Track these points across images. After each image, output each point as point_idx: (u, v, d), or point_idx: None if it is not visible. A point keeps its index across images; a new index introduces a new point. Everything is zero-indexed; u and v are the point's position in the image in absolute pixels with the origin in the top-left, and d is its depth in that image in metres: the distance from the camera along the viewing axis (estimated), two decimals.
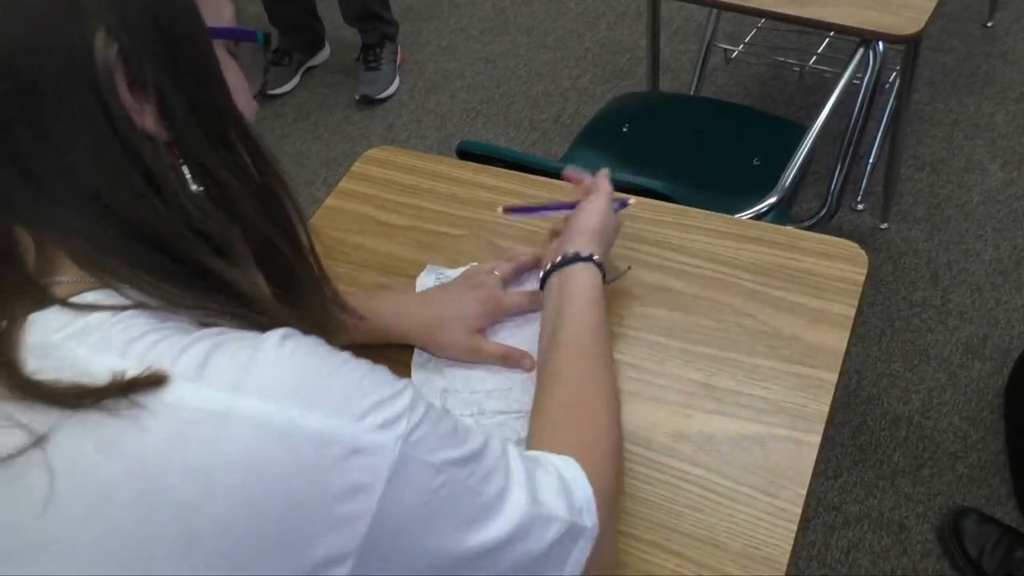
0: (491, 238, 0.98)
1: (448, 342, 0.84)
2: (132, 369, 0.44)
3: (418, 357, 0.86)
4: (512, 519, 0.53)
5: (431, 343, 0.85)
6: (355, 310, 0.66)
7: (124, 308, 0.47)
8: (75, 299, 0.47)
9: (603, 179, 0.88)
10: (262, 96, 0.61)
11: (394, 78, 2.49)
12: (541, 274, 0.82)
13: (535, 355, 0.84)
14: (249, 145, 0.54)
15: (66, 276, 0.48)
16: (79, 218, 0.47)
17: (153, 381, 0.44)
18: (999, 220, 1.92)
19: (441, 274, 0.94)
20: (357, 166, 1.09)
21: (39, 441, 0.43)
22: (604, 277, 0.80)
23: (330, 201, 1.06)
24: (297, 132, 2.41)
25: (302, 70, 2.58)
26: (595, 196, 0.85)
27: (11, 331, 0.45)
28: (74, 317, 0.46)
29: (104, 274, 0.48)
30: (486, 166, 1.07)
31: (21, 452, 0.43)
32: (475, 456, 0.52)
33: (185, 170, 0.51)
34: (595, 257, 0.79)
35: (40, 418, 0.43)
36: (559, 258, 0.79)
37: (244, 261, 0.53)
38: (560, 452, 0.63)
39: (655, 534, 0.72)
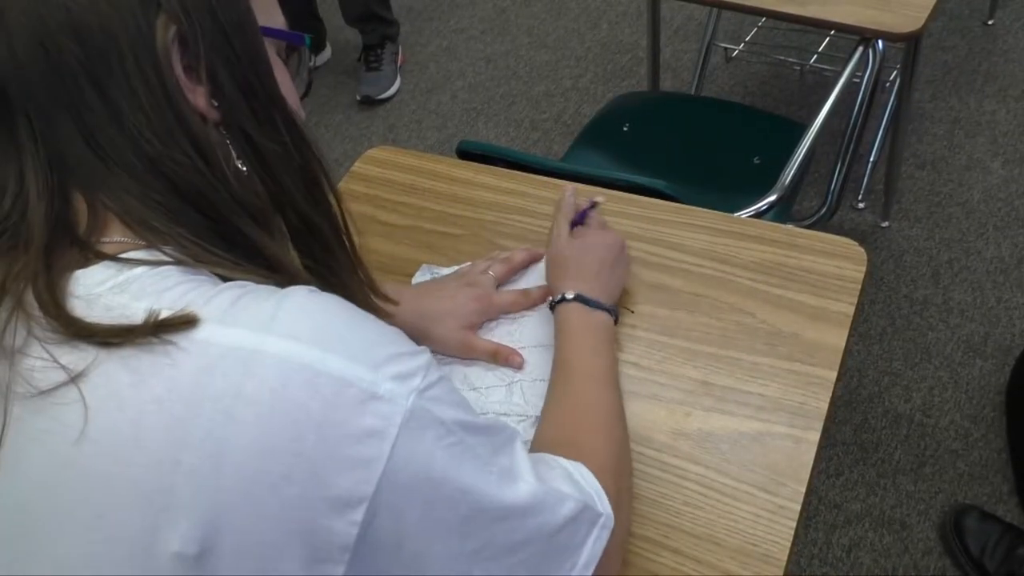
0: (491, 238, 0.98)
1: (441, 336, 0.84)
2: (166, 310, 0.47)
3: None
4: (524, 491, 0.53)
5: (424, 336, 0.85)
6: (388, 295, 0.68)
7: (162, 263, 0.51)
8: (119, 255, 0.51)
9: (564, 200, 0.89)
10: (307, 96, 0.65)
11: (395, 79, 2.49)
12: (550, 301, 0.83)
13: (526, 354, 0.85)
14: (292, 129, 0.58)
15: (113, 237, 0.52)
16: (132, 179, 0.51)
17: (184, 321, 0.46)
18: (1000, 218, 1.92)
19: (436, 273, 0.94)
20: (357, 166, 1.10)
21: (76, 377, 0.45)
22: (605, 307, 0.80)
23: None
24: None
25: None
26: (553, 223, 0.87)
27: (60, 283, 0.48)
28: (117, 271, 0.49)
29: (148, 233, 0.51)
30: (486, 166, 1.08)
31: (58, 386, 0.45)
32: (486, 429, 0.53)
33: (231, 147, 0.55)
34: (584, 296, 0.80)
35: (81, 357, 0.46)
36: (569, 294, 0.80)
37: (280, 235, 0.57)
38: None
39: (654, 531, 0.72)
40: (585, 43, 2.55)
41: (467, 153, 1.16)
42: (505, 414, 0.80)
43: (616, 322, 0.81)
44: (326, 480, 0.45)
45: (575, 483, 0.59)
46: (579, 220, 0.88)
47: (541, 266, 0.93)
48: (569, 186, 0.92)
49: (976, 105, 2.17)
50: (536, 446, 0.70)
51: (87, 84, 0.50)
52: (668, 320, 0.87)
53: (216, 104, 0.53)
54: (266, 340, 0.46)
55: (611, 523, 0.59)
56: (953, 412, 1.62)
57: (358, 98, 2.46)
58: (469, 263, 0.93)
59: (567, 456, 0.64)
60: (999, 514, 1.45)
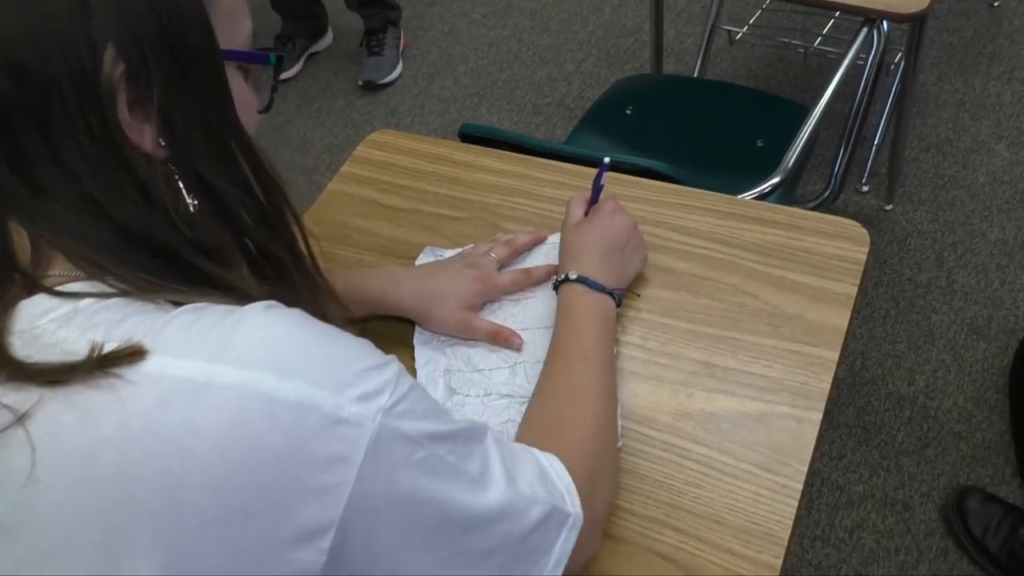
0: (494, 221, 0.98)
1: (442, 316, 0.85)
2: (112, 344, 0.44)
3: (420, 336, 0.87)
4: (494, 498, 0.53)
5: (425, 316, 0.86)
6: (350, 313, 0.67)
7: (109, 295, 0.48)
8: (62, 288, 0.48)
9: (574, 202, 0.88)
10: (266, 113, 0.62)
11: (397, 63, 2.48)
12: (554, 281, 0.83)
13: (530, 335, 0.85)
14: (253, 163, 0.55)
15: (57, 270, 0.49)
16: (75, 220, 0.48)
17: (131, 353, 0.44)
18: (1005, 200, 1.91)
19: (440, 255, 0.95)
20: (360, 150, 1.09)
21: (21, 419, 0.43)
22: (611, 293, 0.80)
23: (333, 185, 1.06)
24: (300, 118, 2.41)
25: (305, 56, 2.57)
26: (567, 210, 0.87)
27: (1, 320, 0.46)
28: (60, 303, 0.47)
29: (96, 271, 0.49)
30: (489, 149, 1.08)
31: (3, 430, 0.43)
32: (456, 435, 0.52)
33: (181, 186, 0.52)
34: (586, 277, 0.79)
35: (25, 397, 0.44)
36: (572, 275, 0.80)
37: (238, 266, 0.55)
38: (542, 449, 0.63)
39: (657, 511, 0.72)
40: (588, 26, 2.53)
41: (469, 136, 1.16)
42: (509, 395, 0.81)
43: (619, 305, 0.81)
44: (289, 512, 0.44)
45: (547, 482, 0.59)
46: (592, 201, 0.87)
47: (545, 248, 0.93)
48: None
49: (981, 87, 2.15)
50: (523, 425, 0.71)
51: (23, 122, 0.47)
52: (671, 302, 0.87)
53: (164, 143, 0.50)
54: (220, 370, 0.44)
55: (579, 522, 0.59)
56: (956, 394, 1.62)
57: (360, 83, 2.45)
58: (472, 245, 0.93)
59: (547, 441, 0.64)
60: (1002, 495, 1.46)
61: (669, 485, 0.74)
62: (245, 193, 0.55)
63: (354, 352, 0.49)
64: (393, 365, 0.50)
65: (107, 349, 0.44)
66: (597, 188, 0.87)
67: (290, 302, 0.55)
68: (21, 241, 0.49)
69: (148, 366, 0.44)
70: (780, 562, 0.68)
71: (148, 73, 0.48)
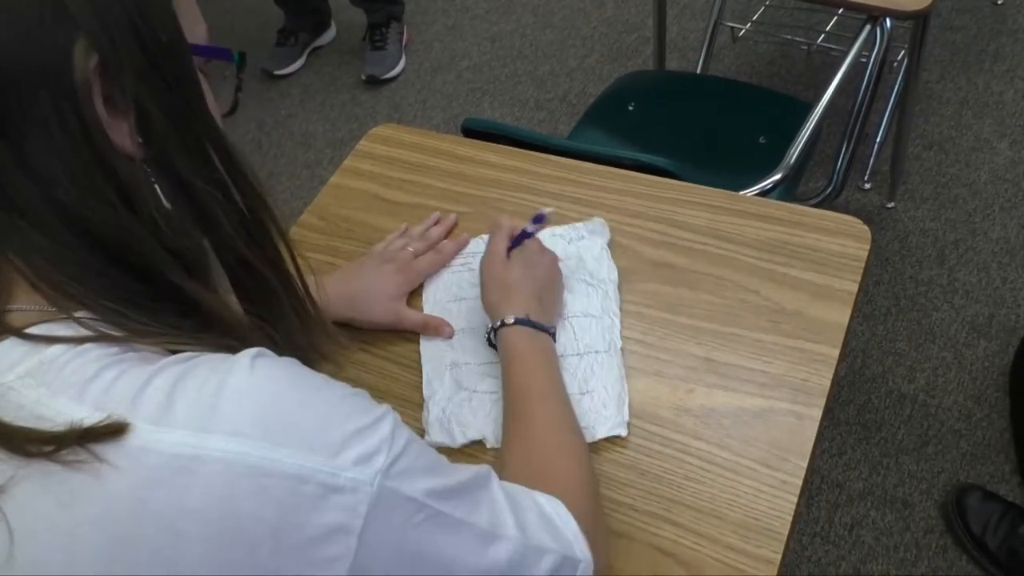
0: (495, 215, 0.98)
1: (373, 312, 0.87)
2: (89, 417, 0.41)
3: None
4: (505, 550, 0.51)
5: (355, 316, 0.88)
6: (338, 334, 0.63)
7: (82, 340, 0.45)
8: (29, 330, 0.45)
9: (500, 222, 0.86)
10: (231, 116, 0.58)
11: (400, 58, 2.48)
12: (488, 330, 0.82)
13: (458, 322, 0.87)
14: (230, 164, 0.52)
15: (18, 304, 0.46)
16: (43, 235, 0.45)
17: (112, 431, 0.41)
18: (1007, 199, 1.91)
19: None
20: (362, 144, 1.10)
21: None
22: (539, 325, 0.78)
23: (335, 179, 1.06)
24: (303, 112, 2.41)
25: (308, 50, 2.57)
26: (489, 244, 0.84)
27: None
28: (27, 353, 0.44)
29: (60, 297, 0.46)
30: (491, 144, 1.08)
31: None
32: (460, 488, 0.51)
33: (158, 189, 0.49)
34: (528, 320, 0.77)
35: None
36: (509, 319, 0.77)
37: (216, 282, 0.52)
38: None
39: (656, 506, 0.73)
40: (591, 22, 2.53)
41: (472, 131, 1.16)
42: None
43: (554, 341, 0.80)
44: None
45: (554, 529, 0.57)
46: (516, 243, 0.84)
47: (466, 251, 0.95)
48: (504, 216, 0.88)
49: (984, 85, 2.15)
50: (506, 471, 0.68)
51: None
52: (671, 297, 0.87)
53: (141, 140, 0.47)
54: (207, 441, 0.41)
55: (590, 569, 0.57)
56: (956, 392, 1.62)
57: (363, 77, 2.45)
58: (382, 243, 0.95)
59: (541, 486, 0.61)
60: (1001, 493, 1.46)
61: (669, 480, 0.74)
62: (223, 195, 0.51)
63: (348, 409, 0.46)
64: (387, 420, 0.47)
65: (85, 424, 0.41)
66: (525, 234, 0.84)
67: (278, 331, 0.53)
68: None
69: (132, 441, 0.41)
70: (779, 558, 0.69)
71: (120, 65, 0.45)
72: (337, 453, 0.44)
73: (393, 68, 2.45)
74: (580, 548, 0.58)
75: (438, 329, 0.87)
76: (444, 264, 0.93)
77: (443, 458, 0.52)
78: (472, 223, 0.98)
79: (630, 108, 1.60)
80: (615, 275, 0.89)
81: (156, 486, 0.41)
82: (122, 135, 0.47)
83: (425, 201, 1.01)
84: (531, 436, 0.70)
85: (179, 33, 0.49)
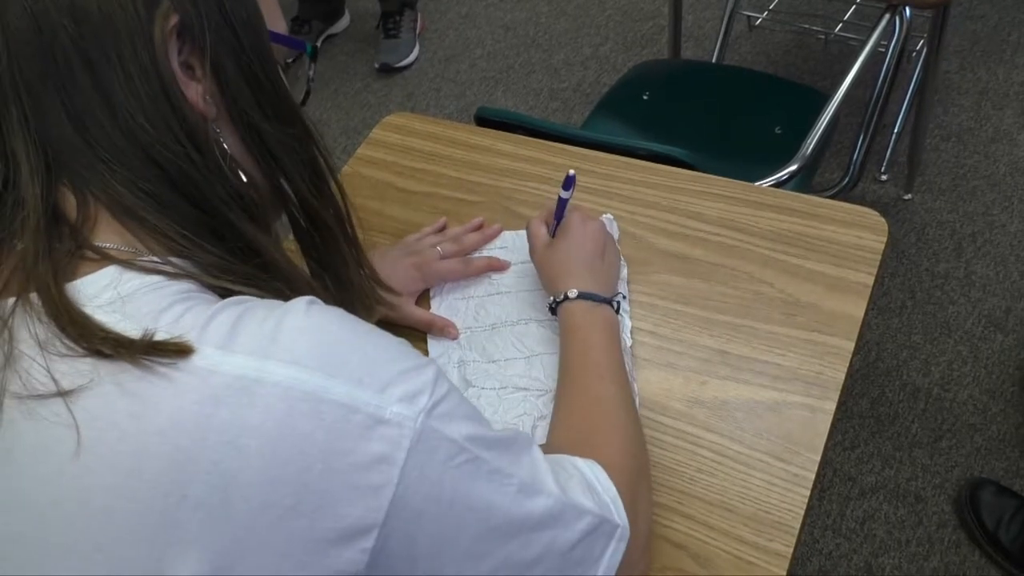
0: (509, 205, 0.98)
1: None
2: (162, 332, 0.45)
3: None
4: (541, 505, 0.52)
5: None
6: (390, 287, 0.67)
7: (157, 272, 0.49)
8: (106, 270, 0.48)
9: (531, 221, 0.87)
10: (304, 104, 0.66)
11: (414, 46, 2.47)
12: (550, 304, 0.81)
13: (465, 320, 0.86)
14: (298, 123, 0.58)
15: (104, 239, 0.50)
16: (122, 166, 0.50)
17: (179, 349, 0.44)
18: None
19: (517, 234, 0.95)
20: (376, 132, 1.09)
21: (71, 395, 0.44)
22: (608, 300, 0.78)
23: (348, 167, 1.06)
24: (317, 100, 2.41)
25: (322, 38, 2.57)
26: (529, 233, 0.86)
27: (50, 296, 0.46)
28: (107, 287, 0.48)
29: (137, 226, 0.50)
30: (505, 133, 1.07)
31: (52, 396, 0.44)
32: (501, 442, 0.52)
33: (224, 143, 0.54)
34: (587, 293, 0.78)
35: (78, 372, 0.44)
36: (572, 293, 0.78)
37: (275, 230, 0.56)
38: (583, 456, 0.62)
39: (668, 498, 0.72)
40: (606, 11, 2.51)
41: (486, 120, 1.16)
42: (525, 388, 0.80)
43: (617, 312, 0.80)
44: (335, 510, 0.44)
45: (593, 492, 0.58)
46: (559, 217, 0.84)
47: (498, 243, 0.94)
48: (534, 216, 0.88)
49: (1005, 76, 2.12)
50: (551, 449, 0.68)
51: (80, 67, 0.49)
52: (685, 289, 0.86)
53: (211, 100, 0.53)
54: (268, 366, 0.45)
55: (627, 534, 0.58)
56: (972, 386, 1.61)
57: (376, 66, 2.45)
58: (415, 234, 0.94)
59: (583, 454, 0.63)
60: (1015, 488, 1.45)
61: (681, 472, 0.74)
62: (295, 151, 0.57)
63: (395, 352, 0.49)
64: (432, 367, 0.50)
65: (156, 336, 0.45)
66: (562, 202, 0.84)
67: (332, 277, 0.57)
68: (69, 199, 0.50)
69: (198, 361, 0.44)
70: (791, 551, 0.68)
71: (202, 29, 0.51)
72: (384, 389, 0.46)
73: (407, 56, 2.45)
74: (619, 514, 0.58)
75: (444, 330, 0.86)
76: (466, 276, 0.90)
77: (484, 416, 0.54)
78: (485, 213, 0.98)
79: (645, 97, 1.59)
80: (624, 272, 0.88)
81: (220, 403, 0.43)
82: (195, 94, 0.52)
83: (438, 190, 1.01)
84: (579, 411, 0.71)
85: (259, 14, 0.55)
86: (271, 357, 0.45)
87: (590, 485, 0.58)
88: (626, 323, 0.84)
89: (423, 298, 0.90)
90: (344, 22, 2.62)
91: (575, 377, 0.73)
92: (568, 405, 0.72)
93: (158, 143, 0.50)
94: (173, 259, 0.51)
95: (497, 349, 0.84)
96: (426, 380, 0.48)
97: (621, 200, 0.95)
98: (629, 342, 0.83)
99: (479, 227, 0.95)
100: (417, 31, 2.50)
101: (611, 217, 0.93)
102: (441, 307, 0.89)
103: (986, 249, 1.80)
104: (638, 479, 0.66)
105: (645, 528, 0.65)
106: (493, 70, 2.41)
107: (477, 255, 0.93)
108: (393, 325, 0.88)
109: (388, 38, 2.44)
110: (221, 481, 0.43)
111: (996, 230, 1.83)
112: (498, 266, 0.91)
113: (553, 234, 0.85)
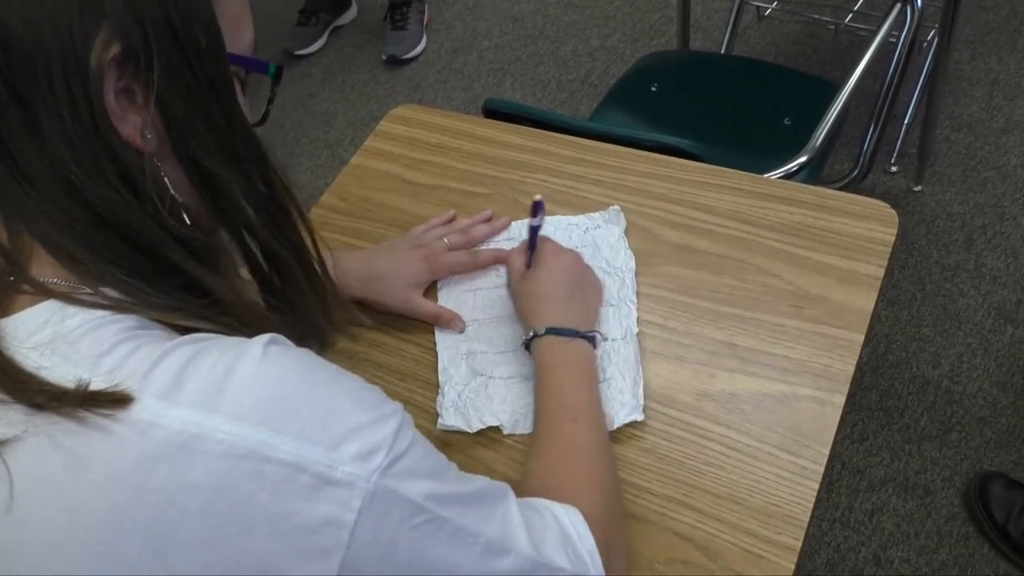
0: (516, 197, 0.98)
1: (387, 295, 0.86)
2: (98, 382, 0.43)
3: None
4: (510, 565, 0.50)
5: (371, 297, 0.87)
6: (361, 317, 0.65)
7: (98, 307, 0.46)
8: (44, 304, 0.46)
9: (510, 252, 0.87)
10: (261, 125, 0.60)
11: (421, 38, 2.47)
12: (523, 341, 0.79)
13: (473, 312, 0.86)
14: (257, 157, 0.54)
15: (41, 273, 0.47)
16: (54, 206, 0.46)
17: (117, 399, 0.42)
18: None
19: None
20: (383, 124, 1.09)
21: (1, 444, 0.42)
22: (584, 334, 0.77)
23: (356, 159, 1.06)
24: (324, 92, 2.41)
25: (329, 30, 2.57)
26: (508, 265, 0.85)
27: None
28: (44, 324, 0.45)
29: (75, 268, 0.47)
30: (512, 125, 1.07)
31: None
32: (468, 497, 0.50)
33: (167, 180, 0.50)
34: (556, 328, 0.76)
35: (8, 423, 0.42)
36: (539, 330, 0.76)
37: (225, 266, 0.53)
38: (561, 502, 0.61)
39: (676, 490, 0.72)
40: (614, 1, 2.50)
41: (493, 112, 1.15)
42: (533, 378, 0.80)
43: (595, 346, 0.78)
44: (285, 571, 0.42)
45: (570, 546, 0.56)
46: (532, 245, 0.83)
47: (506, 234, 0.93)
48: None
49: (1016, 67, 2.10)
50: (527, 484, 0.67)
51: (9, 99, 0.45)
52: (693, 281, 0.86)
53: (152, 135, 0.48)
54: (212, 421, 0.42)
55: None
56: (982, 379, 1.60)
57: (384, 58, 2.44)
58: (424, 224, 0.94)
59: (561, 499, 0.61)
60: None
61: (689, 465, 0.74)
62: (248, 184, 0.53)
63: (354, 403, 0.46)
64: (393, 418, 0.47)
65: (91, 386, 0.42)
66: (533, 231, 0.82)
67: (295, 310, 0.54)
68: (1, 235, 0.48)
69: (138, 412, 0.42)
70: (799, 544, 0.68)
71: (149, 61, 0.47)
72: (336, 446, 0.44)
73: (414, 48, 2.44)
74: (595, 565, 0.57)
75: (450, 323, 0.85)
76: (474, 269, 0.89)
77: (454, 466, 0.52)
78: (493, 204, 0.97)
79: (653, 89, 1.58)
80: (632, 263, 0.88)
81: (159, 460, 0.41)
82: (132, 128, 0.48)
83: (446, 182, 1.01)
84: (553, 454, 0.69)
85: (218, 39, 0.50)
86: (216, 411, 0.43)
87: (567, 537, 0.57)
88: (632, 313, 0.84)
89: (430, 290, 0.90)
90: (351, 14, 2.62)
91: (550, 420, 0.71)
92: (543, 449, 0.70)
93: (88, 186, 0.46)
94: (115, 295, 0.48)
95: (505, 340, 0.84)
96: (385, 435, 0.46)
97: (629, 192, 0.95)
98: (635, 329, 0.82)
99: (488, 220, 0.95)
100: (424, 23, 2.50)
101: (618, 209, 0.92)
102: (448, 299, 0.89)
103: (996, 241, 1.79)
104: (613, 526, 0.65)
105: (622, 566, 0.64)
106: (500, 62, 2.40)
107: (484, 247, 0.92)
108: (400, 319, 0.88)
109: (395, 30, 2.44)
110: (160, 542, 0.41)
111: (1007, 222, 1.82)
112: (505, 258, 0.90)
113: (528, 264, 0.83)
